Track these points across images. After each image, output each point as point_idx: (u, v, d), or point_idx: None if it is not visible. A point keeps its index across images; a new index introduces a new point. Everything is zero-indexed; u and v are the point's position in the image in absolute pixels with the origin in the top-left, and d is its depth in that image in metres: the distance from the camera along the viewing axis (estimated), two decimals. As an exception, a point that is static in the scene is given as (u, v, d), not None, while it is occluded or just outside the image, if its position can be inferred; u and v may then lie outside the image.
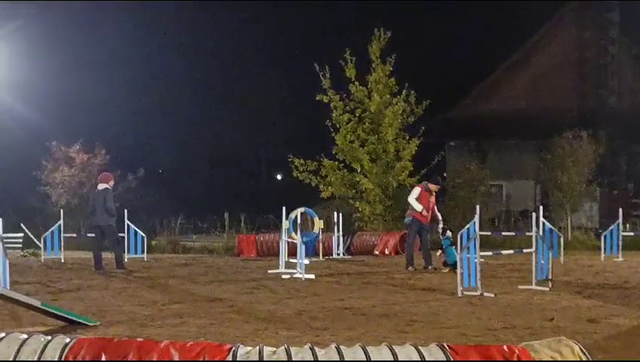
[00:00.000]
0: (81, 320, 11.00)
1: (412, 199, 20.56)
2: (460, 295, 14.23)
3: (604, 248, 24.11)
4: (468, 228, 20.15)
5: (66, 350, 4.50)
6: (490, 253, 17.76)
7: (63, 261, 24.63)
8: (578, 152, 32.42)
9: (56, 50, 47.95)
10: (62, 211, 26.71)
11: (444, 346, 4.44)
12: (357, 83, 32.02)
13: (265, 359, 4.33)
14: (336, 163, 32.15)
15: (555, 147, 32.83)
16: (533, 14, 44.34)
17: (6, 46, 34.37)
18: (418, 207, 20.40)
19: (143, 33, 57.37)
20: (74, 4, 50.86)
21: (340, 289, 15.90)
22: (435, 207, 20.93)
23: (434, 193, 20.84)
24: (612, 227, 24.49)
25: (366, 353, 4.34)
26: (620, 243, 24.16)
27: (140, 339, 4.66)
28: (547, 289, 15.02)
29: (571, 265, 21.24)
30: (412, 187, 23.72)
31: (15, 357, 4.49)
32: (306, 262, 19.34)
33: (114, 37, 55.32)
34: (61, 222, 25.76)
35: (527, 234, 17.23)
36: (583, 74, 42.75)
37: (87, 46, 52.77)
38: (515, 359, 4.33)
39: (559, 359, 4.36)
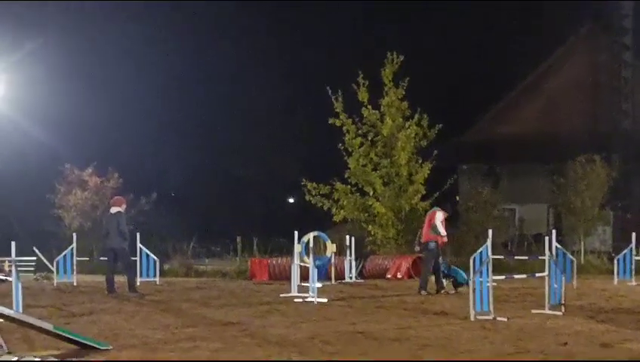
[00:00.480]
0: (93, 344, 11.01)
1: (439, 223, 20.56)
2: (472, 319, 14.19)
3: (618, 272, 24.02)
4: (480, 252, 20.13)
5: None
6: (502, 277, 17.72)
7: (75, 284, 24.67)
8: (591, 176, 32.33)
9: (70, 74, 48.17)
10: (75, 234, 26.74)
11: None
12: (369, 106, 32.01)
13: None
14: (349, 186, 32.11)
15: (568, 171, 32.74)
16: (546, 38, 44.37)
17: (20, 69, 34.50)
18: (443, 231, 20.46)
19: (158, 57, 57.61)
20: (88, 28, 51.17)
21: (352, 313, 15.88)
22: None
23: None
24: (625, 251, 24.40)
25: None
26: (634, 267, 24.08)
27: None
28: (560, 313, 14.96)
29: (584, 290, 21.15)
30: (425, 211, 23.71)
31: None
32: (319, 285, 19.33)
33: (128, 61, 55.59)
34: (74, 245, 25.79)
35: (540, 258, 17.14)
36: (597, 97, 42.68)
37: (100, 70, 53.06)
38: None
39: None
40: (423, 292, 20.12)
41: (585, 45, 44.12)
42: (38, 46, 37.67)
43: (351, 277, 26.18)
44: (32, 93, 38.34)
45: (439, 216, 20.77)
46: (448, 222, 21.66)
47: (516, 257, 27.32)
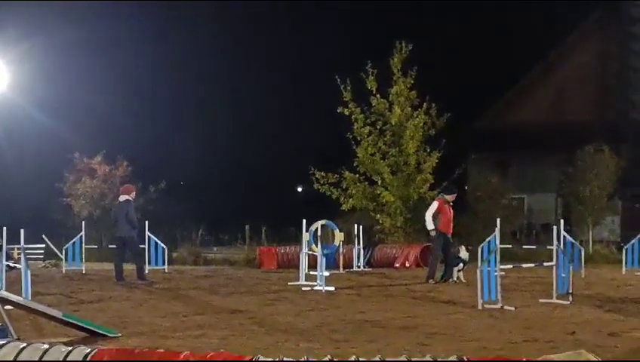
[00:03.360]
0: (102, 331, 11.04)
1: (428, 214, 20.60)
2: (480, 308, 14.19)
3: (626, 262, 24.01)
4: (489, 241, 20.13)
5: (87, 360, 4.53)
6: (510, 266, 17.73)
7: (84, 272, 24.74)
8: (600, 166, 32.32)
9: (79, 63, 48.20)
10: (83, 222, 26.81)
11: (463, 359, 4.44)
12: (378, 95, 32.00)
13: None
14: (357, 175, 32.12)
15: (577, 160, 32.73)
16: (555, 27, 44.27)
17: (29, 58, 34.54)
18: (430, 225, 20.46)
19: (167, 46, 57.54)
20: (100, 17, 51.19)
21: (360, 302, 15.90)
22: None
23: (451, 203, 20.84)
24: (634, 241, 24.38)
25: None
26: (642, 256, 24.07)
27: (161, 351, 4.69)
28: (568, 302, 14.96)
29: (592, 279, 21.14)
30: (432, 200, 23.70)
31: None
32: (327, 274, 19.36)
33: (137, 50, 55.54)
34: (83, 233, 25.87)
35: (548, 247, 17.14)
36: (606, 87, 42.64)
37: (110, 59, 53.01)
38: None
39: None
40: (430, 281, 20.13)
41: (594, 34, 44.04)
42: (47, 36, 37.73)
43: (359, 266, 26.23)
44: (42, 82, 38.44)
45: (431, 208, 20.79)
46: (456, 205, 21.62)
47: (524, 246, 27.36)
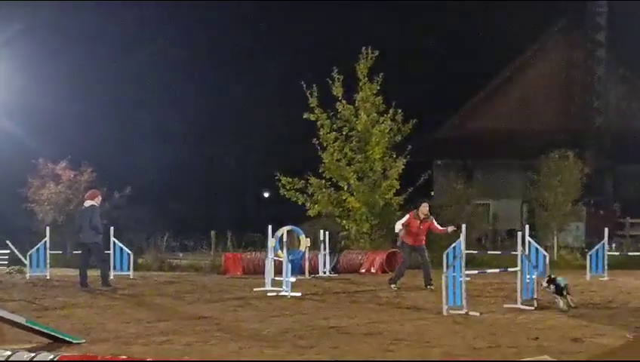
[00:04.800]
0: (66, 338, 10.99)
1: (398, 222, 20.93)
2: (445, 313, 14.25)
3: (590, 267, 24.16)
4: (454, 247, 20.19)
5: (50, 367, 4.50)
6: (475, 272, 17.81)
7: (48, 278, 24.56)
8: (564, 172, 32.50)
9: (43, 66, 47.84)
10: (48, 228, 26.63)
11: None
12: (344, 101, 32.03)
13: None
14: (323, 181, 32.11)
15: (542, 166, 32.91)
16: (520, 34, 44.52)
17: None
18: (397, 227, 20.73)
19: (132, 50, 57.32)
20: (63, 18, 50.90)
21: (325, 308, 15.91)
22: (438, 227, 20.97)
23: (425, 217, 20.80)
24: (598, 246, 24.56)
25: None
26: (606, 262, 24.22)
27: (124, 357, 4.67)
28: (532, 308, 15.05)
29: (557, 285, 21.24)
30: (400, 206, 23.79)
31: (-2, 373, 4.50)
32: (292, 280, 19.34)
33: (102, 52, 55.30)
34: (47, 239, 25.68)
35: (513, 253, 17.23)
36: (570, 94, 42.91)
37: (75, 62, 52.68)
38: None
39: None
40: (393, 286, 20.20)
41: (559, 41, 44.32)
42: (10, 37, 37.45)
43: (325, 272, 26.22)
44: (3, 86, 38.13)
45: (402, 219, 21.07)
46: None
47: (489, 252, 27.47)
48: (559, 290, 15.43)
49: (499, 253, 26.98)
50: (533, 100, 43.00)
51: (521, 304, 15.28)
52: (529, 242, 19.56)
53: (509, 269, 16.77)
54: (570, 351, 10.38)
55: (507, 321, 13.50)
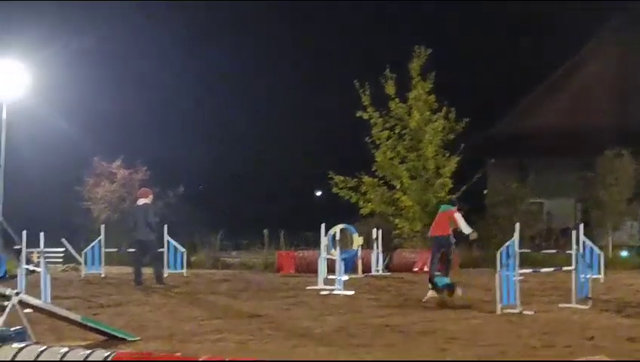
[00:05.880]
0: (121, 335, 11.08)
1: (464, 223, 19.88)
2: (499, 312, 14.17)
3: (646, 266, 23.92)
4: (508, 246, 20.04)
5: None
6: (529, 271, 17.68)
7: (103, 276, 24.78)
8: (619, 170, 32.19)
9: (99, 68, 48.37)
10: (102, 226, 26.88)
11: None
12: (397, 100, 31.97)
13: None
14: (376, 180, 32.08)
15: (597, 165, 32.62)
16: (574, 33, 44.15)
17: (50, 64, 34.60)
18: (467, 229, 20.06)
19: (187, 54, 57.75)
20: (121, 23, 51.39)
21: (378, 306, 15.89)
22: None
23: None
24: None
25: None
26: (662, 261, 23.97)
27: (179, 354, 4.70)
28: (587, 307, 14.92)
29: (612, 284, 21.04)
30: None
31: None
32: (345, 278, 19.35)
33: (158, 55, 55.77)
34: (102, 236, 25.94)
35: (567, 252, 17.09)
36: (624, 92, 42.44)
37: (130, 64, 53.19)
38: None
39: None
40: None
41: (613, 40, 43.87)
42: (68, 42, 37.86)
43: (378, 270, 26.18)
44: (62, 87, 38.54)
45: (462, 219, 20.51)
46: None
47: (544, 251, 27.26)
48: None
49: (553, 251, 26.77)
50: (588, 98, 42.58)
51: (576, 303, 15.15)
52: (583, 241, 19.42)
53: (564, 268, 16.65)
54: (626, 350, 10.27)
55: (561, 320, 13.39)
